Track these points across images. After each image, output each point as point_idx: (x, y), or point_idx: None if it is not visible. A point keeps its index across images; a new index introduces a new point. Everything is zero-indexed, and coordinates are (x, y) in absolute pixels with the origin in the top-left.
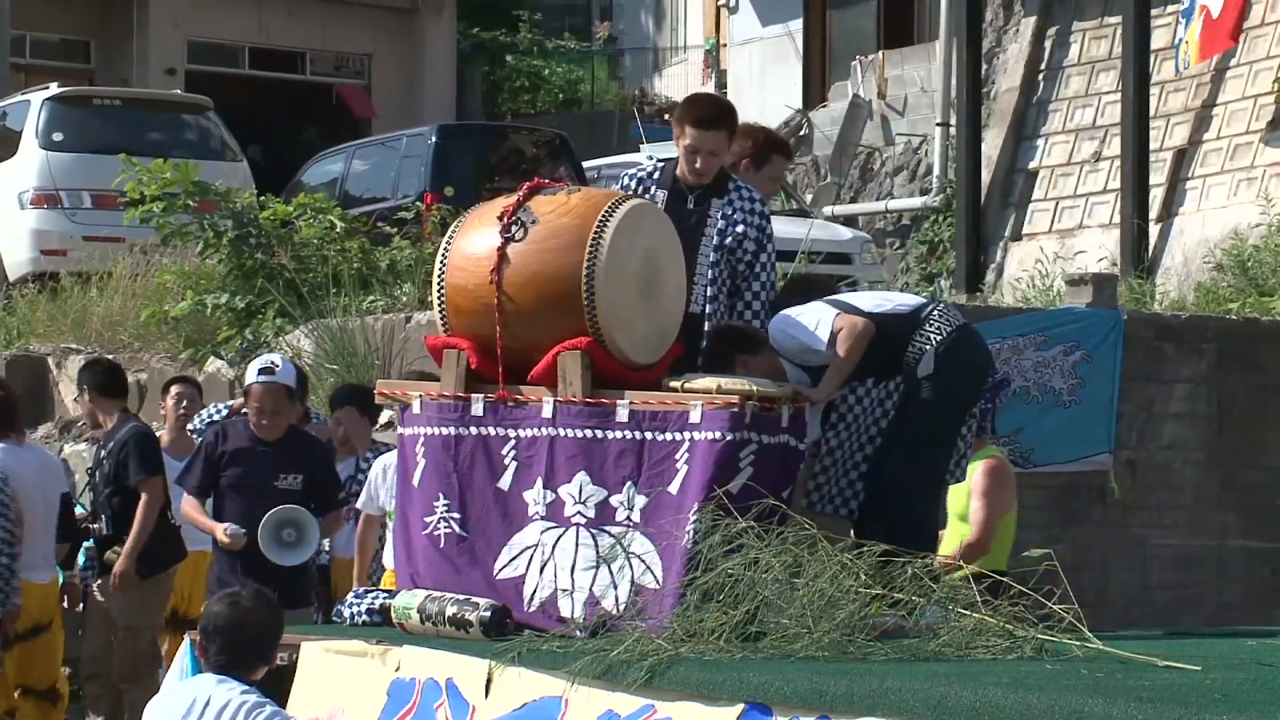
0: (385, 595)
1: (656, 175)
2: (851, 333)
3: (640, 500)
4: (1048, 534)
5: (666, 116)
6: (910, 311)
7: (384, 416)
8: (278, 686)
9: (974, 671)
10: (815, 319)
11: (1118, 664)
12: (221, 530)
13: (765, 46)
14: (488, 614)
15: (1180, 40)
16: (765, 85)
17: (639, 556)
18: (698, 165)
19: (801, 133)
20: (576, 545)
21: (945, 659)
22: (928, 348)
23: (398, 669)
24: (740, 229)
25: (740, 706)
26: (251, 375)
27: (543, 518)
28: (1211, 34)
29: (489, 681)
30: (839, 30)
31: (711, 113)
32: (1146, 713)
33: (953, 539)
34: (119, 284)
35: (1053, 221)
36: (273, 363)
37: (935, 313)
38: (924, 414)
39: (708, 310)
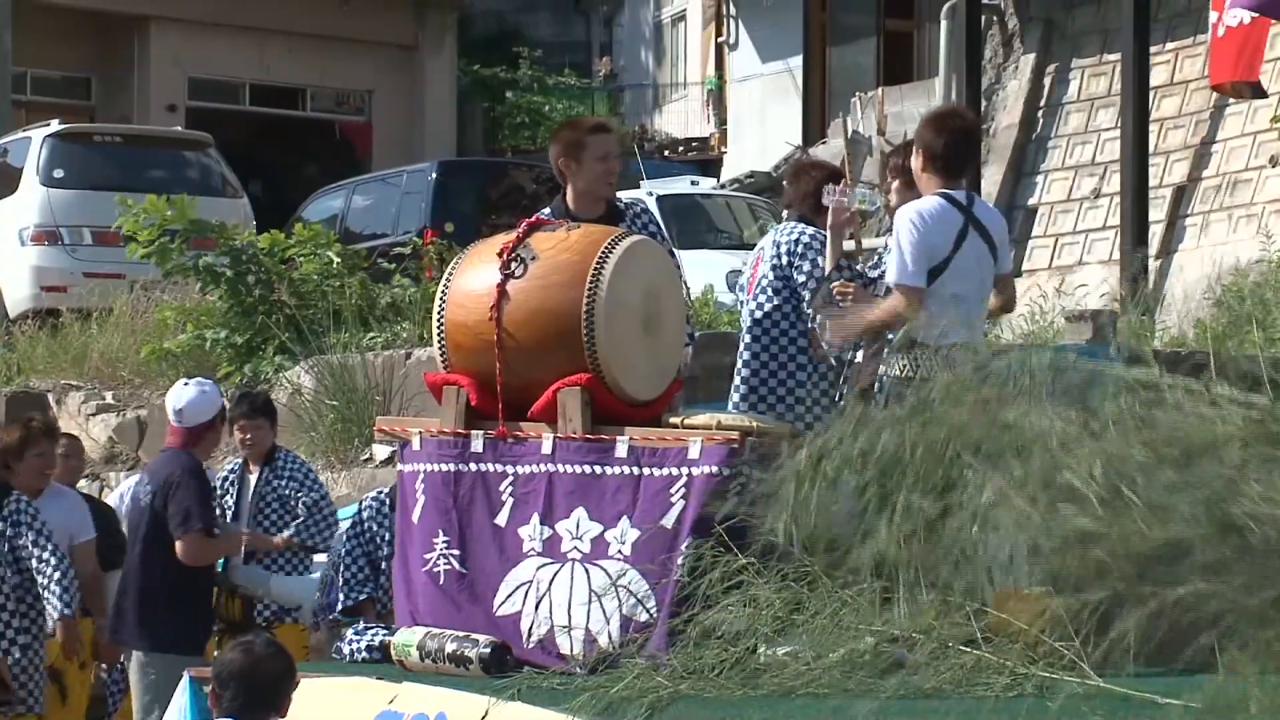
0: (385, 632)
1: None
2: (896, 306)
3: (633, 534)
4: None
5: (666, 153)
6: None
7: (384, 452)
8: None
9: (974, 709)
10: (900, 260)
11: (1119, 701)
12: None
13: (765, 83)
14: (487, 650)
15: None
16: (765, 121)
17: (628, 589)
18: (613, 177)
19: None
20: (571, 581)
21: (945, 696)
22: None
23: (390, 701)
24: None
25: None
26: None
27: (539, 554)
28: (1219, 59)
29: (484, 718)
30: (838, 67)
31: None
32: None
33: None
34: (119, 320)
35: (1052, 258)
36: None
37: None
38: None
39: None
